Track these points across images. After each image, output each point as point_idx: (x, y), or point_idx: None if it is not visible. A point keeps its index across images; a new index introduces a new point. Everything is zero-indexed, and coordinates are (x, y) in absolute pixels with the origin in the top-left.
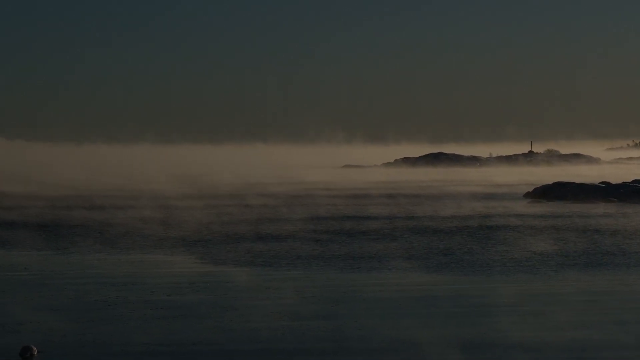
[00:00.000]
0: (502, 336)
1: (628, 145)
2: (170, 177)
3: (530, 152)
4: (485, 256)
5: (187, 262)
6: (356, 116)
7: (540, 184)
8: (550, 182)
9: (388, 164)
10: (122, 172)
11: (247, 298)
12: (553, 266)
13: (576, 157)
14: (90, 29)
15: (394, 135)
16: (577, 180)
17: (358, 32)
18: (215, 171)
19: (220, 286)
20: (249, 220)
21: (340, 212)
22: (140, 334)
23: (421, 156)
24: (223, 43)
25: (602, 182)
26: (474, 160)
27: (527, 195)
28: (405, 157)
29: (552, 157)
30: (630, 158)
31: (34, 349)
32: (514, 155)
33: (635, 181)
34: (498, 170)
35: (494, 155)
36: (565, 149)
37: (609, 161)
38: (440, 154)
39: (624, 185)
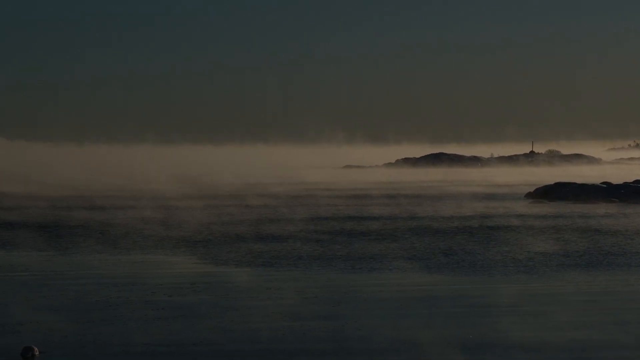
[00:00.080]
0: (503, 336)
1: (629, 145)
2: (171, 177)
3: (532, 152)
4: (486, 256)
5: (187, 263)
6: (357, 116)
7: (542, 184)
8: (552, 183)
9: (389, 164)
10: (123, 173)
11: (248, 298)
12: (554, 266)
13: (577, 157)
14: (90, 29)
15: (394, 136)
16: (578, 181)
17: (358, 32)
18: (215, 171)
19: (221, 286)
20: (250, 221)
21: (341, 213)
22: (140, 335)
23: (422, 156)
24: (223, 43)
25: (603, 183)
26: (475, 160)
27: (528, 195)
28: (406, 158)
29: (553, 157)
30: (632, 158)
31: (35, 349)
32: (515, 155)
33: (636, 181)
34: (499, 170)
35: (495, 155)
36: (566, 149)
37: (610, 161)
38: (441, 154)
39: (625, 185)
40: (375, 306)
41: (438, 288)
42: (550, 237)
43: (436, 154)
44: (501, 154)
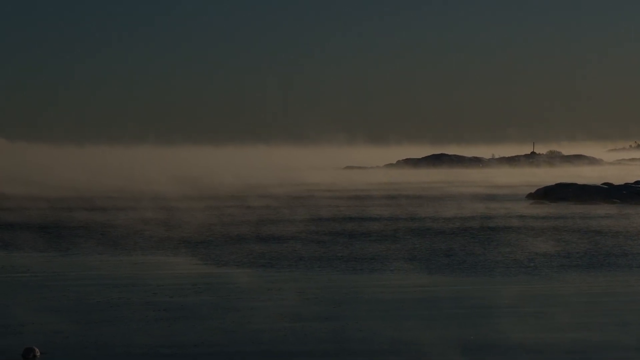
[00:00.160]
0: (504, 337)
1: (630, 146)
2: (172, 178)
3: (533, 153)
4: (487, 257)
5: (188, 264)
6: (357, 117)
7: (542, 185)
8: (553, 183)
9: (390, 165)
10: (123, 174)
11: (249, 299)
12: (555, 267)
13: (578, 158)
14: (90, 29)
15: (395, 137)
16: (579, 182)
17: (358, 32)
18: (216, 172)
19: (222, 287)
20: (251, 222)
21: (342, 214)
22: (142, 336)
23: (423, 157)
24: (223, 43)
25: (604, 183)
26: (476, 161)
27: (529, 196)
28: (407, 158)
29: (554, 158)
30: (633, 159)
31: (37, 350)
32: (516, 156)
33: (637, 182)
34: (500, 171)
35: (496, 156)
36: (567, 150)
37: (611, 162)
38: (442, 155)
39: (626, 186)
40: (376, 307)
41: (439, 289)
42: (551, 238)
43: (437, 154)
44: (502, 155)
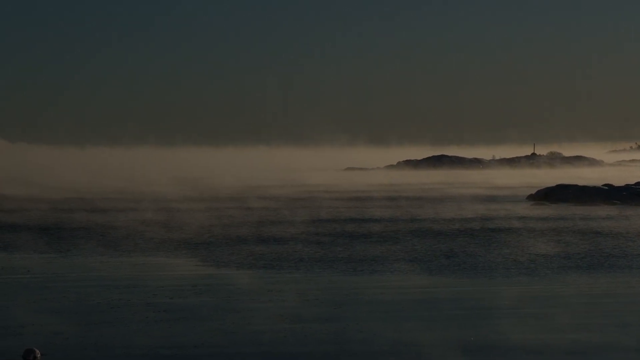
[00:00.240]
0: (504, 338)
1: (631, 147)
2: (172, 179)
3: (533, 154)
4: (488, 258)
5: (189, 265)
6: (358, 118)
7: (543, 186)
8: (553, 185)
9: (390, 167)
10: (124, 175)
11: (249, 300)
12: (555, 268)
13: (579, 159)
14: (90, 29)
15: (396, 138)
16: (580, 183)
17: (358, 32)
18: (216, 174)
19: (222, 289)
20: (251, 223)
21: (343, 215)
22: (142, 337)
23: (423, 158)
24: (223, 44)
25: (604, 185)
26: (476, 162)
27: (530, 197)
28: (407, 160)
29: (555, 159)
30: (633, 160)
31: (37, 351)
32: (517, 157)
33: (638, 183)
34: (500, 172)
35: (497, 157)
36: (567, 151)
37: (611, 163)
38: (442, 156)
39: (627, 187)
40: (376, 308)
41: (439, 290)
42: (551, 239)
43: (437, 156)
44: (502, 156)
